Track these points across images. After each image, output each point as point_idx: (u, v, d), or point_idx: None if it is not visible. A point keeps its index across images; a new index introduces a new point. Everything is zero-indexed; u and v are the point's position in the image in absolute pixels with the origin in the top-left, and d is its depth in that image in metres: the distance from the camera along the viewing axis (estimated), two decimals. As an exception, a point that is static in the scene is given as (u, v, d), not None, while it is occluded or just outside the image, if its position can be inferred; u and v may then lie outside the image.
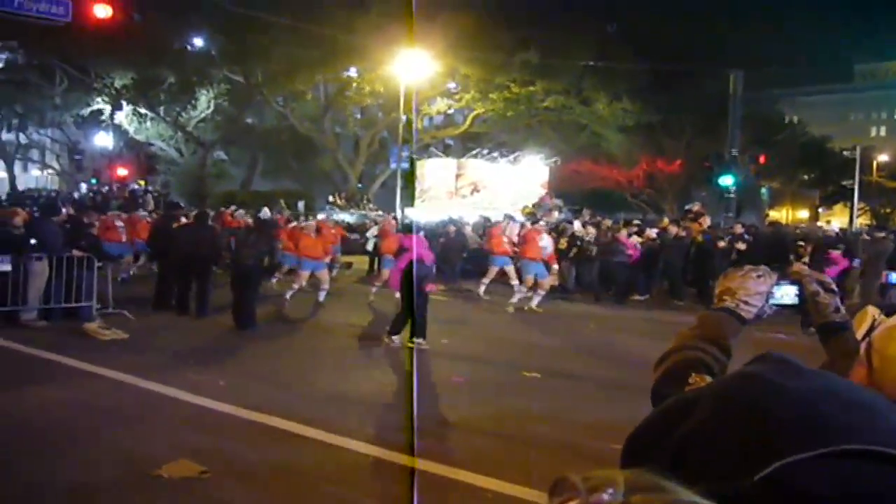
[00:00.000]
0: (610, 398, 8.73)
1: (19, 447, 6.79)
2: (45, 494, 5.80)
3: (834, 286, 2.12)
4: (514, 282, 17.18)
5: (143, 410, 8.06)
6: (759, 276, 2.01)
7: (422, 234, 12.78)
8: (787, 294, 2.10)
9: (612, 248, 18.64)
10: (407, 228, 13.04)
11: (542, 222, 19.90)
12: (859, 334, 1.71)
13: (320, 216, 28.14)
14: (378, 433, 7.32)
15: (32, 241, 12.79)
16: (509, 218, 25.15)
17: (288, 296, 15.29)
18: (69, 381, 9.25)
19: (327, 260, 16.93)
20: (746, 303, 1.98)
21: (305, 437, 7.21)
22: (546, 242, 16.60)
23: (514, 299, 16.34)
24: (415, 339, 11.51)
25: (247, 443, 7.07)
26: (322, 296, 15.66)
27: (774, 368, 1.10)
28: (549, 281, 16.52)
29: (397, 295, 15.12)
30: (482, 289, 17.77)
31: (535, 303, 15.99)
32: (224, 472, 6.23)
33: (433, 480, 6.16)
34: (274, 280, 17.48)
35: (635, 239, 19.47)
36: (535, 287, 16.16)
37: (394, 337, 11.76)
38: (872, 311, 1.73)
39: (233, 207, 27.16)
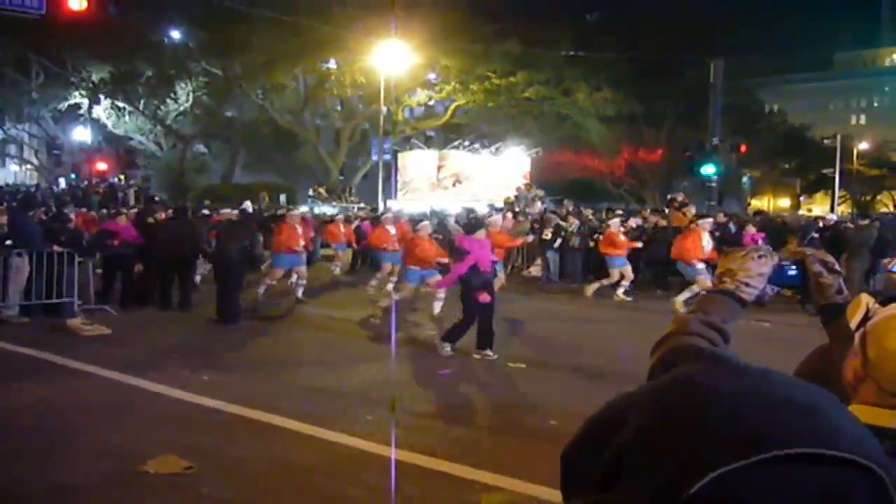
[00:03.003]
0: (595, 387, 8.72)
1: (1, 445, 6.71)
2: (29, 493, 5.73)
3: (837, 266, 2.09)
4: (626, 282, 16.66)
5: (128, 406, 7.99)
6: (760, 257, 1.97)
7: (483, 234, 11.22)
8: (790, 275, 2.07)
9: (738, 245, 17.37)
10: (469, 228, 11.35)
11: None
12: (853, 323, 1.67)
13: (303, 208, 28.08)
14: (365, 426, 7.28)
15: (8, 242, 12.65)
16: (493, 209, 25.24)
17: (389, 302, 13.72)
18: (52, 377, 9.16)
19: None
20: (747, 284, 1.93)
21: (291, 431, 7.17)
22: (707, 241, 15.18)
23: (619, 290, 15.90)
24: (481, 351, 10.57)
25: (232, 437, 7.02)
26: (437, 307, 13.71)
27: (708, 369, 1.07)
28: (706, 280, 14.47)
29: (439, 297, 13.64)
30: (621, 291, 16.71)
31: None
32: (210, 466, 6.18)
33: (421, 472, 6.14)
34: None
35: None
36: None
37: (446, 345, 10.73)
38: (866, 298, 1.69)
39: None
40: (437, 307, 13.68)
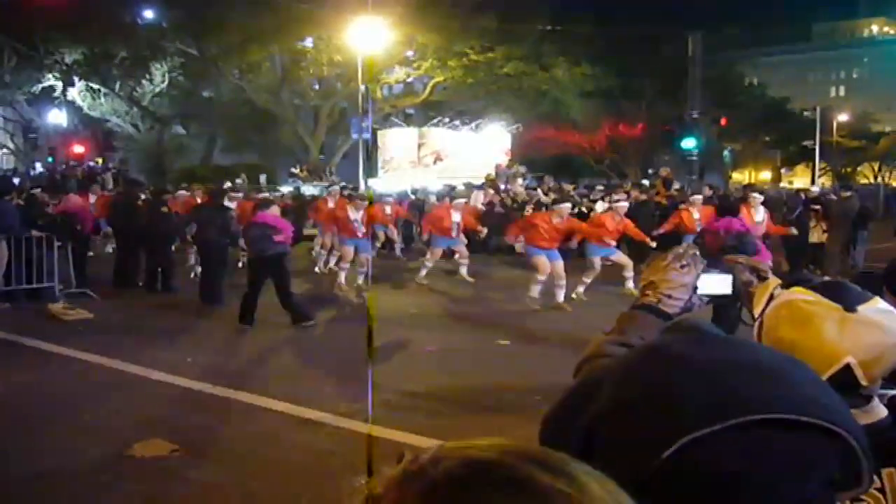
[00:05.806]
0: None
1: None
2: (15, 479, 5.70)
3: (769, 274, 1.95)
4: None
5: (112, 390, 7.95)
6: (682, 266, 1.88)
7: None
8: (718, 283, 1.93)
9: None
10: (725, 208, 9.41)
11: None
12: (756, 311, 1.62)
13: (285, 189, 27.93)
14: (351, 406, 7.26)
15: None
16: (473, 187, 25.17)
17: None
18: (35, 363, 9.11)
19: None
20: (670, 297, 1.86)
21: (278, 412, 7.17)
22: (761, 216, 14.05)
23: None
24: None
25: (218, 419, 7.01)
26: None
27: (683, 339, 1.09)
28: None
29: None
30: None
31: None
32: (196, 449, 6.18)
33: (407, 451, 6.12)
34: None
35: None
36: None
37: None
38: (773, 283, 1.64)
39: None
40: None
